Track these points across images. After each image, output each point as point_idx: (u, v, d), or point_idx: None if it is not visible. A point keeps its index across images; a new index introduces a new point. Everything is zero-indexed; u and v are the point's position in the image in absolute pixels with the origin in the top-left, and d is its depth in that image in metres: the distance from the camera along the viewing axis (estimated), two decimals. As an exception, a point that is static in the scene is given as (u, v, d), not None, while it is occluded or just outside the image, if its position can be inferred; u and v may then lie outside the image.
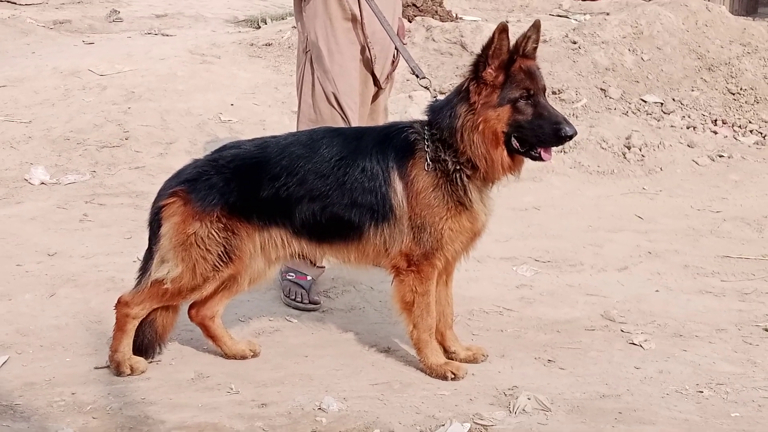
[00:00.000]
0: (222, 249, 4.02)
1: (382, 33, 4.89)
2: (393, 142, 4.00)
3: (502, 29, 3.85)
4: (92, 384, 3.98)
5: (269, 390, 3.95)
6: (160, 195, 4.15)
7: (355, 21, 4.94)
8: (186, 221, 4.00)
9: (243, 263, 4.10)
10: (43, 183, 7.07)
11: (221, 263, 4.03)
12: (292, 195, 4.02)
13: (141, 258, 5.42)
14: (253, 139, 4.32)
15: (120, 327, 4.08)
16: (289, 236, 4.09)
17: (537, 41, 3.97)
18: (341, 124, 4.87)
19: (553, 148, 4.01)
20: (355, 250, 4.11)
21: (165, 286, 4.05)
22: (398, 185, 3.96)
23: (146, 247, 4.18)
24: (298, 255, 4.20)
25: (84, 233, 6.04)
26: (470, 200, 3.97)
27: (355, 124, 4.92)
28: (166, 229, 4.04)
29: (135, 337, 4.12)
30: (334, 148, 4.04)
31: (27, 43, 11.67)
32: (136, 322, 4.10)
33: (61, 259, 5.52)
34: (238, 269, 4.11)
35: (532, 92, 3.87)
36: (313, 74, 4.98)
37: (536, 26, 3.93)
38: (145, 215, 6.33)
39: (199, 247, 4.00)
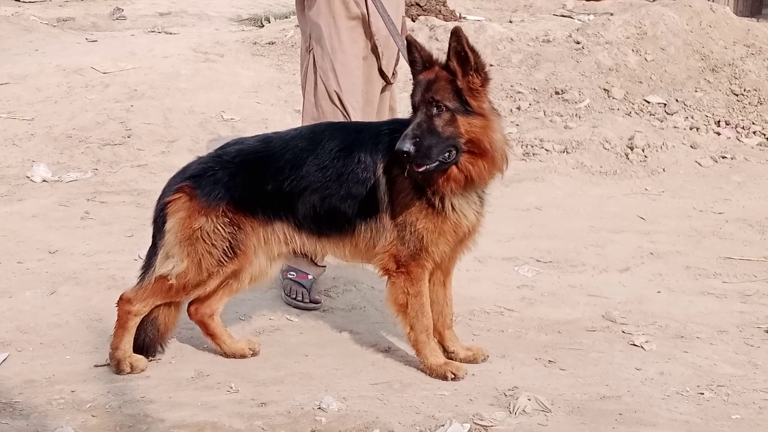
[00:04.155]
0: (227, 244, 4.04)
1: (386, 30, 4.89)
2: (385, 139, 4.03)
3: (410, 42, 3.95)
4: (92, 382, 3.98)
5: (269, 389, 3.95)
6: (166, 191, 4.16)
7: (359, 19, 4.94)
8: (192, 216, 4.02)
9: (247, 259, 4.12)
10: (44, 180, 7.06)
11: (226, 258, 4.05)
12: (296, 188, 4.05)
13: (142, 256, 5.43)
14: (257, 135, 4.35)
15: (121, 324, 4.08)
16: (292, 231, 4.12)
17: (447, 48, 3.88)
18: None
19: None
20: (349, 244, 4.14)
21: (170, 282, 4.05)
22: (382, 181, 4.00)
23: (149, 244, 4.18)
24: (300, 251, 4.21)
25: (85, 231, 6.04)
26: (443, 205, 3.96)
27: None
28: (171, 224, 4.05)
29: (136, 335, 4.12)
30: (335, 140, 4.09)
31: (30, 41, 11.66)
32: (138, 320, 4.10)
33: (62, 256, 5.51)
34: (242, 265, 4.13)
35: (413, 106, 3.89)
36: (315, 73, 4.98)
37: (455, 32, 3.82)
38: (147, 213, 6.37)
39: (204, 242, 4.02)
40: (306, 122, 4.98)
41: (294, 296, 4.93)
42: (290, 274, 5.00)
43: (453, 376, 4.05)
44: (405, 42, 4.14)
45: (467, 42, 3.78)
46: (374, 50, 5.02)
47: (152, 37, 11.99)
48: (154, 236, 4.17)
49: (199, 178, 4.08)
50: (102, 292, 4.96)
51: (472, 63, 3.80)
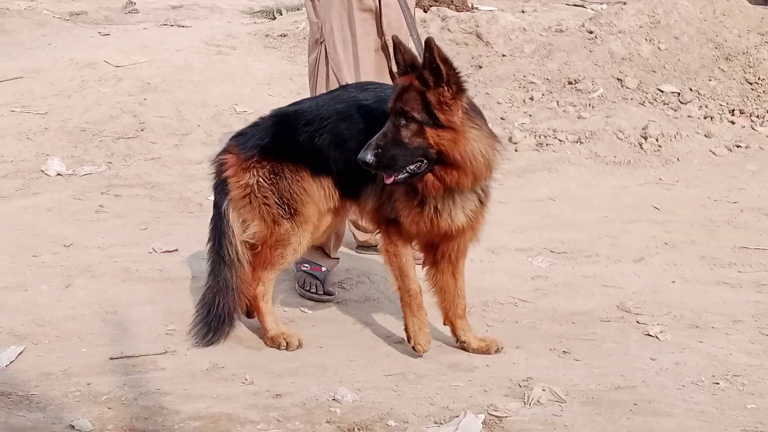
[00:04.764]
0: (276, 193, 4.23)
1: (398, 23, 4.89)
2: None
3: (395, 43, 3.97)
4: (108, 374, 4.00)
5: (284, 381, 3.96)
6: (218, 153, 4.45)
7: (372, 12, 4.94)
8: (237, 174, 4.27)
9: (306, 205, 4.26)
10: (59, 174, 7.09)
11: (284, 208, 4.24)
12: (323, 140, 4.20)
13: (156, 249, 5.49)
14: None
15: (259, 311, 4.37)
16: (331, 185, 4.28)
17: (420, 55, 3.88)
18: None
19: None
20: (357, 204, 4.33)
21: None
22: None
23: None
24: (337, 210, 4.38)
25: (100, 224, 6.06)
26: (423, 203, 4.00)
27: None
28: (230, 192, 4.28)
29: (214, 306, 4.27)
30: (362, 93, 4.24)
31: (43, 35, 11.71)
32: (269, 297, 4.36)
33: (77, 249, 5.53)
34: (306, 212, 4.27)
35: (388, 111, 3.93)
36: (327, 65, 4.98)
37: (427, 42, 3.79)
38: (161, 206, 6.43)
39: (256, 195, 4.24)
40: None
41: (308, 288, 4.93)
42: (304, 266, 5.01)
43: (420, 347, 4.16)
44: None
45: (439, 54, 3.74)
46: (384, 48, 5.01)
47: (165, 30, 12.02)
48: (216, 204, 4.39)
49: (241, 136, 4.36)
50: (117, 285, 4.98)
51: (444, 75, 3.75)
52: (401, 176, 3.83)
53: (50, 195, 6.62)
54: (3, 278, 5.03)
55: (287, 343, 4.30)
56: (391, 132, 3.81)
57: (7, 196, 6.59)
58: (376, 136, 3.82)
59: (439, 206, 3.99)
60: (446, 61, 3.76)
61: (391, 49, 4.97)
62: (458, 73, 3.82)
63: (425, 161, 3.82)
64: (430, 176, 3.87)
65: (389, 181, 3.85)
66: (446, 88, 3.77)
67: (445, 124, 3.78)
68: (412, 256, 4.25)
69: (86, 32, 12.02)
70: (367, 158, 3.77)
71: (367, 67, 4.97)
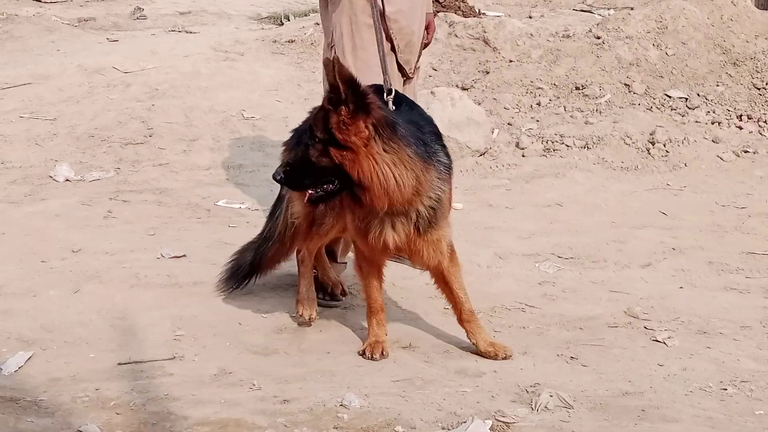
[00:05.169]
0: None
1: (408, 28, 4.94)
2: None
3: (324, 65, 4.02)
4: (116, 380, 4.01)
5: (291, 386, 3.97)
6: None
7: (381, 16, 4.96)
8: None
9: None
10: (67, 180, 7.11)
11: None
12: None
13: (165, 254, 5.51)
14: None
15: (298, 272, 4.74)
16: None
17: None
18: None
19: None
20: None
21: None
22: None
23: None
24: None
25: (108, 230, 6.07)
26: (354, 215, 4.12)
27: None
28: None
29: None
30: None
31: (52, 41, 11.73)
32: (311, 266, 4.74)
33: (86, 255, 5.55)
34: None
35: None
36: None
37: (325, 63, 3.86)
38: (170, 212, 6.44)
39: None
40: None
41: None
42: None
43: (373, 354, 4.26)
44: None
45: (338, 73, 3.74)
46: (393, 49, 5.04)
47: (173, 36, 12.04)
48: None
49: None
50: (125, 291, 5.00)
51: (342, 95, 3.76)
52: (316, 194, 3.91)
53: (59, 201, 6.63)
54: (12, 284, 5.05)
55: (301, 314, 4.57)
56: (301, 151, 3.91)
57: (15, 201, 6.62)
58: (290, 154, 4.01)
59: (371, 225, 4.04)
60: (345, 81, 3.75)
61: (396, 43, 5.02)
62: (361, 92, 3.79)
63: (337, 180, 3.86)
64: (348, 196, 3.93)
65: (305, 199, 3.96)
66: (344, 108, 3.77)
67: (342, 144, 3.78)
68: (374, 272, 4.33)
69: (95, 38, 12.05)
70: (277, 176, 3.92)
71: (375, 72, 4.98)
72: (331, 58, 3.86)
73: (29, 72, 9.59)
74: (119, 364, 4.17)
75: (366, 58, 4.97)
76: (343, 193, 3.92)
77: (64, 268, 5.32)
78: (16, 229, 5.99)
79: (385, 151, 3.82)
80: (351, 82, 3.78)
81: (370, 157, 3.79)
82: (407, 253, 4.25)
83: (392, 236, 4.05)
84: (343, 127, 3.78)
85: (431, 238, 4.11)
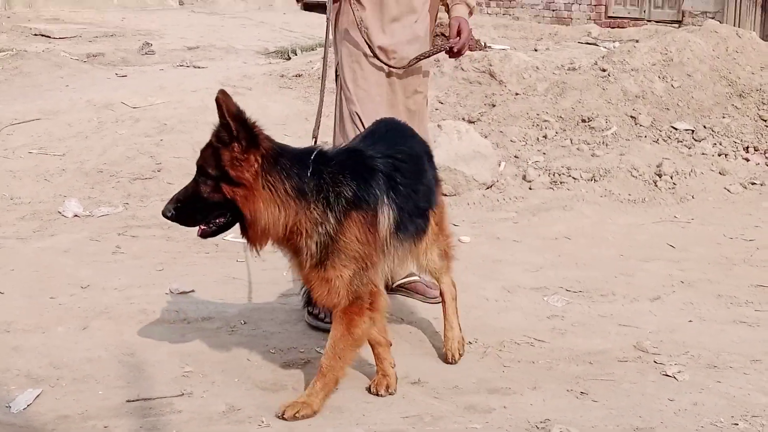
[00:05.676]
0: None
1: (403, 53, 4.99)
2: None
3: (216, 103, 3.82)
4: (124, 417, 4.00)
5: (300, 423, 3.95)
6: None
7: (373, 51, 5.02)
8: None
9: None
10: (76, 215, 7.14)
11: None
12: None
13: (173, 289, 5.49)
14: None
15: None
16: None
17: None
18: None
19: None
20: None
21: None
22: None
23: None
24: None
25: (117, 265, 6.09)
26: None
27: None
28: None
29: None
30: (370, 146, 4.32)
31: (61, 77, 11.83)
32: None
33: (94, 291, 5.56)
34: None
35: None
36: (341, 95, 5.13)
37: (216, 100, 3.77)
38: (178, 247, 6.45)
39: None
40: (336, 141, 5.12)
41: (316, 313, 4.91)
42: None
43: (376, 389, 4.26)
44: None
45: (228, 111, 3.70)
46: (389, 75, 5.11)
47: (181, 71, 12.13)
48: None
49: None
50: (134, 327, 5.00)
51: (234, 132, 3.73)
52: (209, 230, 3.92)
53: (67, 236, 6.66)
54: (21, 320, 5.06)
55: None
56: (191, 187, 3.89)
57: (24, 237, 6.64)
58: (179, 191, 3.94)
59: (282, 252, 4.10)
60: (235, 118, 3.72)
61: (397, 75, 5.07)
62: (250, 125, 3.77)
63: (229, 215, 3.86)
64: (244, 228, 3.90)
65: (198, 234, 3.94)
66: (237, 145, 3.75)
67: (236, 180, 3.76)
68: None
69: (103, 73, 12.15)
70: (167, 212, 3.90)
71: (376, 101, 5.08)
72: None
73: (38, 107, 9.67)
74: (128, 401, 4.16)
75: (367, 87, 5.06)
76: (235, 225, 3.91)
77: (73, 304, 5.33)
78: (25, 264, 6.01)
79: (262, 186, 3.78)
80: (240, 117, 3.74)
81: (260, 194, 3.78)
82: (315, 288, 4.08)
83: (293, 270, 4.11)
84: (237, 164, 3.75)
85: (324, 275, 3.95)
